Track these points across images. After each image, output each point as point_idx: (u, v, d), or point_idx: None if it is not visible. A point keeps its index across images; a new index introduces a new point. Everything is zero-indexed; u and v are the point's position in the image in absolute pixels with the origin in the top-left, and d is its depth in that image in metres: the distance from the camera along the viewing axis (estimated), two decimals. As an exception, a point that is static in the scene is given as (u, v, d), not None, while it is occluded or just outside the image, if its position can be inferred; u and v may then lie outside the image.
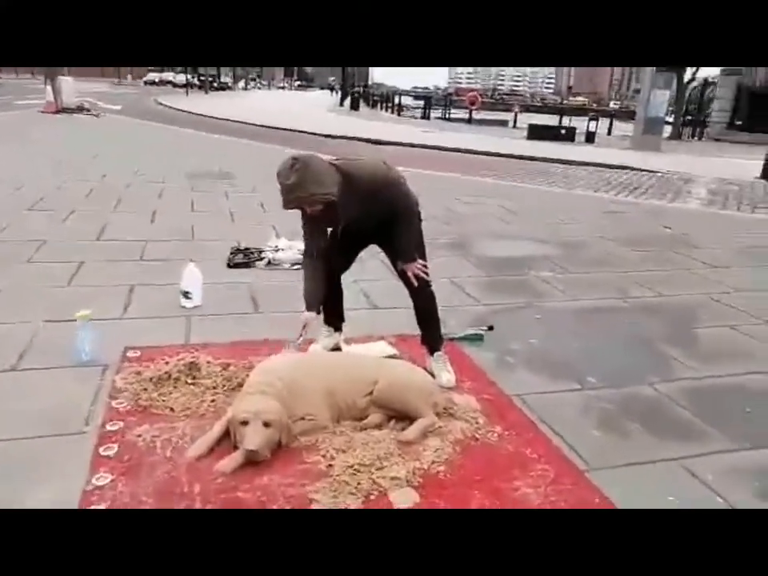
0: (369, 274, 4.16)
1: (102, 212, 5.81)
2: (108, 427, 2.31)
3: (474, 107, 25.47)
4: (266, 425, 2.17)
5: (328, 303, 3.15)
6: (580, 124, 20.25)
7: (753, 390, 3.07)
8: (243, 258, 4.54)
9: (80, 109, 17.40)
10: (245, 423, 2.17)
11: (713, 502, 2.16)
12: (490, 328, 3.59)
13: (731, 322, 3.99)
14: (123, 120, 17.13)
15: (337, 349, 3.16)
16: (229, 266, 4.45)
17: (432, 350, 2.98)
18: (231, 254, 4.62)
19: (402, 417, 2.49)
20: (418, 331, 3.39)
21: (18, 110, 17.10)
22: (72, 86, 17.84)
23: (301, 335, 2.83)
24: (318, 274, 2.81)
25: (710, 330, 3.82)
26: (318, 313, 2.90)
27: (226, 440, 2.26)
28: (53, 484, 2.00)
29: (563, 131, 19.54)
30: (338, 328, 3.19)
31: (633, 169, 12.32)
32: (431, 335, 3.00)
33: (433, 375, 2.86)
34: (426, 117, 25.94)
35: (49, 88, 16.59)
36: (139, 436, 2.26)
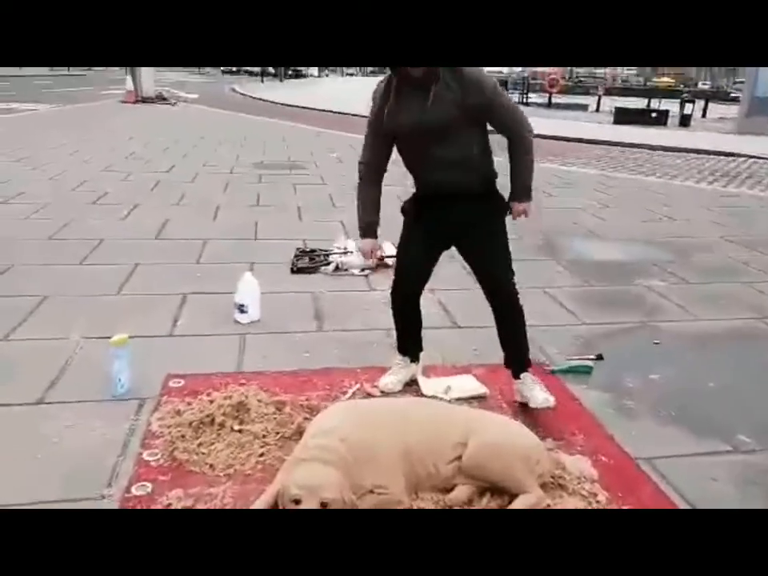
0: (445, 282, 3.54)
1: (165, 207, 5.53)
2: (134, 491, 1.88)
3: (553, 90, 24.10)
4: (323, 504, 1.67)
5: (404, 328, 2.64)
6: (670, 107, 18.60)
7: None
8: (308, 263, 4.07)
9: (159, 98, 17.66)
10: (297, 502, 1.68)
11: None
12: (599, 357, 2.95)
13: None
14: (199, 109, 17.22)
15: (413, 382, 2.63)
16: (293, 270, 4.01)
17: (518, 371, 2.49)
18: (295, 256, 4.17)
19: (498, 489, 1.93)
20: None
21: (101, 101, 17.53)
22: (151, 75, 18.10)
23: (370, 264, 2.68)
24: (375, 192, 2.45)
25: None
26: (376, 237, 2.53)
27: (275, 515, 1.78)
28: None
29: (654, 114, 18.00)
30: (414, 358, 2.66)
31: (741, 155, 11.00)
32: (519, 355, 2.51)
33: (525, 402, 2.43)
34: (502, 101, 24.76)
35: (129, 78, 16.91)
36: (169, 506, 1.81)
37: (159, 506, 1.80)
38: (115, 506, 1.81)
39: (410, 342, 2.64)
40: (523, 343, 2.50)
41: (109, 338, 2.56)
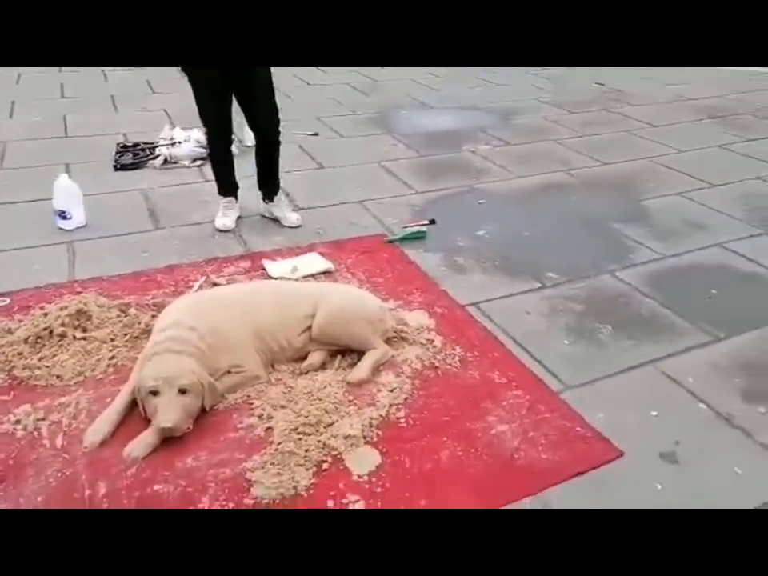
0: (283, 164, 3.53)
1: (-56, 108, 4.69)
2: (-26, 415, 1.80)
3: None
4: (182, 391, 1.73)
5: (224, 172, 3.02)
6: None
7: (712, 267, 2.88)
8: (133, 158, 3.78)
9: None
10: (155, 393, 1.72)
11: (696, 410, 1.98)
12: (432, 222, 3.18)
13: (679, 188, 3.77)
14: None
15: (259, 267, 2.68)
16: (116, 168, 3.71)
17: (273, 194, 3.05)
18: (117, 153, 3.84)
19: (348, 350, 2.12)
20: (351, 234, 3.01)
21: None
22: None
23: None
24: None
25: (660, 201, 3.58)
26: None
27: (134, 411, 1.81)
28: None
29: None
30: (236, 196, 3.10)
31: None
32: (276, 180, 3.06)
33: (277, 219, 3.04)
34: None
35: None
36: (18, 422, 1.77)
37: (6, 426, 1.75)
38: (-45, 434, 1.73)
39: (232, 183, 3.07)
40: (277, 173, 3.06)
41: None
